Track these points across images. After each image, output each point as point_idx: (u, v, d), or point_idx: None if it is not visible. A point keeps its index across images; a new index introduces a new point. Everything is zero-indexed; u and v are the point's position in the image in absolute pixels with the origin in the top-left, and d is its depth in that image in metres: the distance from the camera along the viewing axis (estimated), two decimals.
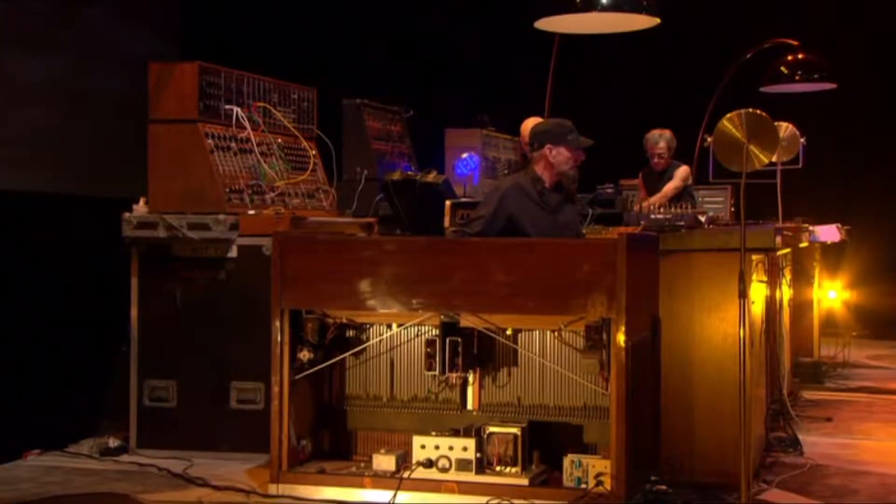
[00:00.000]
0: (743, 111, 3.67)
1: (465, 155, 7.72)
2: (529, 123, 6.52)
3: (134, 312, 4.87)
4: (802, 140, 5.53)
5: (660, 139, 7.10)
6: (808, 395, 6.61)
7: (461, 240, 4.08)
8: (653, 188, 7.23)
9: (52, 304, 5.27)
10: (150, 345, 4.86)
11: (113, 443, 4.84)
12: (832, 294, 8.99)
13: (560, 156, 4.55)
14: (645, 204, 6.36)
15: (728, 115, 3.71)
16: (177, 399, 4.82)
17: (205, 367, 4.79)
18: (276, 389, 4.08)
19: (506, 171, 8.16)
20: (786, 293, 5.51)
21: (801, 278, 7.19)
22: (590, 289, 3.79)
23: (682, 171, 6.95)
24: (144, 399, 4.85)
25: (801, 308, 7.26)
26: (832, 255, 8.76)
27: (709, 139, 3.94)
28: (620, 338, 3.76)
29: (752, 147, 3.67)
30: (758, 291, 4.64)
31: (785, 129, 5.47)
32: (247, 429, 4.72)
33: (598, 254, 3.80)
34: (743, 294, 3.69)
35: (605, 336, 3.83)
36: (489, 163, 7.90)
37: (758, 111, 3.63)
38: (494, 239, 4.19)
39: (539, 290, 3.84)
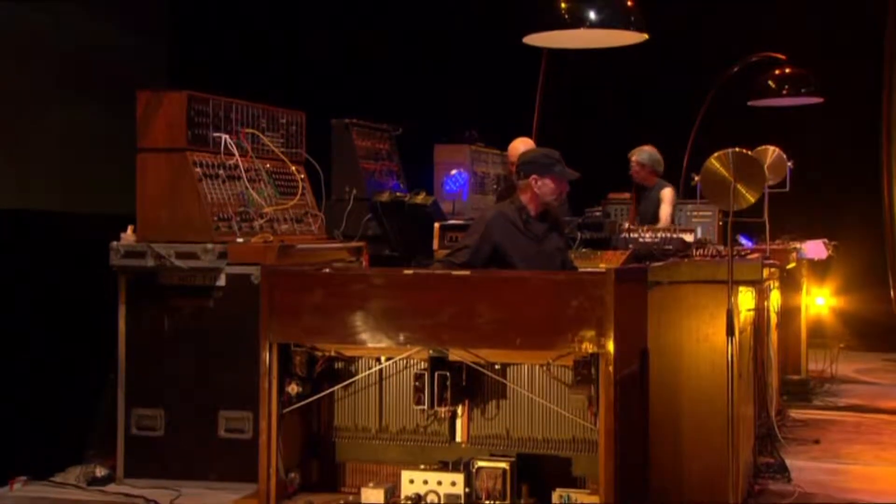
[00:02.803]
0: (730, 150, 3.69)
1: (453, 172, 7.74)
2: (517, 144, 6.55)
3: (121, 341, 4.86)
4: (790, 164, 5.55)
5: (632, 155, 7.21)
6: (795, 413, 6.64)
7: (449, 275, 4.06)
8: (638, 203, 7.29)
9: (39, 331, 5.24)
10: (138, 373, 4.85)
11: (100, 472, 4.83)
12: (820, 300, 9.03)
13: (545, 187, 4.58)
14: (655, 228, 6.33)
15: (716, 154, 3.73)
16: (164, 428, 4.81)
17: (192, 396, 4.79)
18: (263, 424, 4.06)
19: (495, 186, 8.18)
20: (773, 316, 5.53)
21: (789, 285, 7.21)
22: (578, 324, 3.78)
23: (666, 194, 7.01)
24: (132, 428, 4.84)
25: (788, 314, 7.28)
26: (819, 267, 8.80)
27: (696, 178, 3.95)
28: (609, 374, 3.75)
29: (739, 186, 3.69)
30: (746, 319, 4.66)
31: (771, 153, 5.50)
32: (235, 458, 4.71)
33: (586, 289, 3.79)
34: (731, 331, 3.70)
35: (593, 371, 3.83)
36: (478, 178, 7.92)
37: (745, 151, 3.65)
38: (482, 274, 4.19)
39: (527, 325, 3.83)
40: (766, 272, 4.49)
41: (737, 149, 3.68)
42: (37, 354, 5.22)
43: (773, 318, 5.53)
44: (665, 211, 6.97)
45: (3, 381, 5.06)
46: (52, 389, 5.18)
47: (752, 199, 3.77)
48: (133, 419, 4.83)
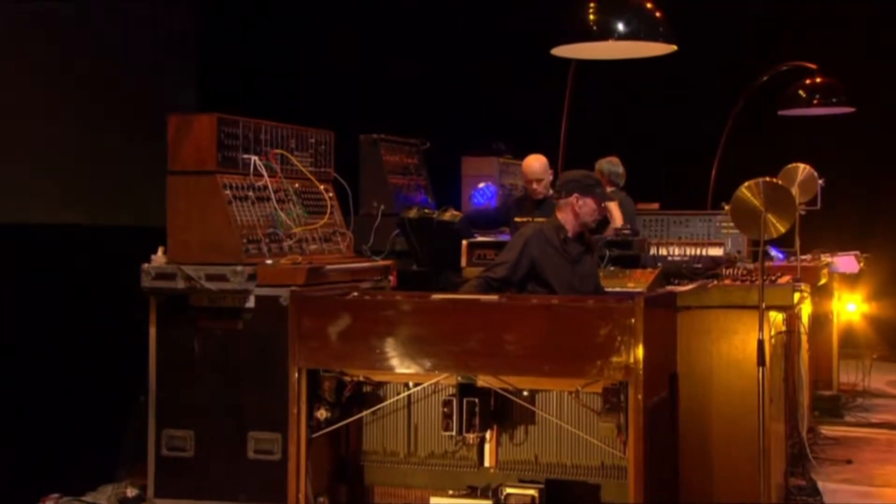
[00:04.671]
0: (761, 180, 3.66)
1: (481, 185, 7.74)
2: (531, 161, 6.55)
3: (152, 362, 4.89)
4: (821, 181, 5.49)
5: (597, 163, 7.23)
6: (827, 430, 6.57)
7: (477, 301, 4.06)
8: None
9: (72, 352, 5.30)
10: (168, 394, 4.88)
11: (131, 492, 4.87)
12: (851, 307, 8.93)
13: (586, 206, 4.60)
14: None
15: (746, 184, 3.71)
16: (194, 449, 4.83)
17: (222, 417, 4.80)
18: (292, 449, 4.08)
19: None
20: (804, 339, 5.47)
21: (820, 293, 7.11)
22: (607, 352, 3.77)
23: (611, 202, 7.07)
24: (162, 448, 4.87)
25: (819, 322, 7.18)
26: (850, 276, 8.70)
27: (726, 207, 3.93)
28: (638, 401, 3.74)
29: (769, 216, 3.66)
30: (777, 341, 4.62)
31: (802, 170, 5.44)
32: (264, 479, 4.73)
33: (615, 317, 3.77)
34: (762, 362, 3.67)
35: (622, 398, 3.81)
36: (506, 190, 7.91)
37: (776, 180, 3.62)
38: (510, 301, 4.18)
39: (556, 353, 3.82)
40: (796, 296, 4.45)
41: (767, 178, 3.66)
42: (68, 374, 5.27)
43: (805, 341, 5.48)
44: (615, 215, 6.96)
45: (35, 400, 5.12)
46: (83, 409, 5.23)
47: (782, 228, 3.75)
48: (163, 440, 4.86)
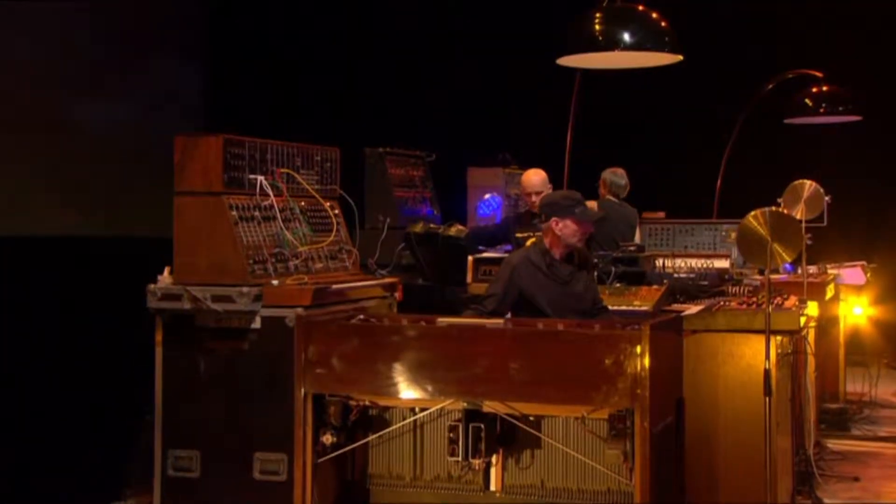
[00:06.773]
0: (767, 210, 3.66)
1: (487, 196, 7.74)
2: (530, 175, 6.56)
3: (158, 382, 4.87)
4: (827, 198, 5.47)
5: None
6: (833, 444, 6.55)
7: (483, 327, 4.07)
8: None
9: (78, 369, 5.31)
10: (174, 414, 4.87)
11: None
12: (857, 310, 8.89)
13: (566, 228, 4.58)
14: None
15: (752, 213, 3.71)
16: (200, 469, 4.82)
17: (227, 438, 4.79)
18: (298, 474, 4.09)
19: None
20: (811, 359, 5.46)
21: (827, 302, 7.05)
22: (613, 379, 3.77)
23: None
24: (168, 468, 4.86)
25: (824, 327, 7.14)
26: (856, 287, 8.66)
27: (732, 235, 3.92)
28: (644, 429, 3.73)
29: (776, 246, 3.66)
30: (783, 364, 4.61)
31: (808, 186, 5.42)
32: (270, 500, 4.70)
33: (621, 345, 3.78)
34: (769, 391, 3.66)
35: (629, 424, 3.81)
36: (511, 201, 7.91)
37: (782, 210, 3.62)
38: (517, 327, 4.18)
39: (561, 380, 3.83)
40: (802, 321, 4.44)
41: (773, 207, 3.65)
42: (74, 392, 5.28)
43: (812, 360, 5.46)
44: None
45: (40, 418, 5.13)
46: (89, 428, 5.24)
47: (788, 258, 3.75)
48: (169, 460, 4.85)
